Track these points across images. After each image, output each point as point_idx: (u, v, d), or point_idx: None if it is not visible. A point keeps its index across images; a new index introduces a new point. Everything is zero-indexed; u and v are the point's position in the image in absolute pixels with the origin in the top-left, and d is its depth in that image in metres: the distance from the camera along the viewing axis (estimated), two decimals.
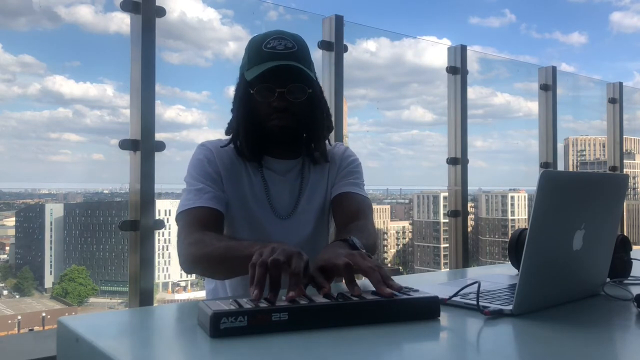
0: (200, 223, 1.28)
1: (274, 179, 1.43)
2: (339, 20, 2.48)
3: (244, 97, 1.37)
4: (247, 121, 1.37)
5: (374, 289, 0.97)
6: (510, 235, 1.42)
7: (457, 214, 2.95)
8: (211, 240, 1.21)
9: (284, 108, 1.33)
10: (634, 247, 1.40)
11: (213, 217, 1.32)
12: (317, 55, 2.48)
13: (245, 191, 1.40)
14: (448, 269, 3.85)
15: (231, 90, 1.45)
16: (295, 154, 1.46)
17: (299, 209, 1.43)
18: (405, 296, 0.94)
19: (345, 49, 2.51)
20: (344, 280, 0.99)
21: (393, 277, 1.01)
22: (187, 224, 1.30)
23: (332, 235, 1.49)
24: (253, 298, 0.89)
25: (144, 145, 1.94)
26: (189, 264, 1.25)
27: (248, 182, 1.41)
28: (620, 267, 1.31)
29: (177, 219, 1.34)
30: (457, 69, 2.94)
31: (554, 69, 3.40)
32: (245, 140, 1.39)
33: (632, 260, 1.35)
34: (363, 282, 1.05)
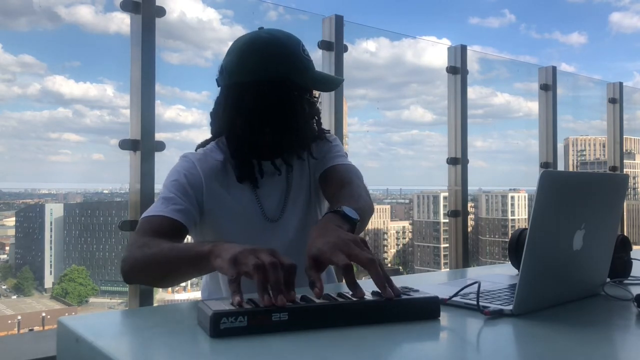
0: (154, 232, 1.22)
1: (264, 181, 1.41)
2: (339, 20, 2.48)
3: (298, 100, 1.37)
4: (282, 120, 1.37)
5: (373, 289, 0.97)
6: (510, 235, 1.42)
7: (457, 214, 2.95)
8: (158, 243, 1.16)
9: None
10: (634, 247, 1.40)
11: (172, 227, 1.26)
12: (317, 56, 2.48)
13: (232, 199, 1.38)
14: (448, 269, 3.85)
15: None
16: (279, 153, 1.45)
17: (287, 209, 1.42)
18: (405, 296, 0.94)
19: (345, 49, 2.51)
20: (344, 281, 0.98)
21: (393, 277, 1.00)
22: (140, 230, 1.24)
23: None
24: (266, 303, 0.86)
25: (144, 145, 1.94)
26: (129, 268, 1.18)
27: (235, 189, 1.38)
28: (620, 267, 1.31)
29: (137, 225, 1.29)
30: (457, 69, 2.94)
31: (554, 69, 3.40)
32: (250, 143, 1.37)
33: (632, 260, 1.35)
34: (363, 281, 1.04)
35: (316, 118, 1.45)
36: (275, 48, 1.34)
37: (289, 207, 1.43)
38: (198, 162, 1.37)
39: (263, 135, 1.37)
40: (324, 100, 2.46)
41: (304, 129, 1.40)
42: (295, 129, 1.37)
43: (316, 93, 1.48)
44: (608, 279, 1.23)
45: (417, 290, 0.97)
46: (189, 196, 1.32)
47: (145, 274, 1.20)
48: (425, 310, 0.93)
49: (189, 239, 1.40)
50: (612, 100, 3.89)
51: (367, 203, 1.28)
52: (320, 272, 0.99)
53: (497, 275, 1.36)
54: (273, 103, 1.34)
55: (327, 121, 2.44)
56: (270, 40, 1.35)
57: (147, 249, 1.15)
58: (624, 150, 3.96)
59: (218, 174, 1.38)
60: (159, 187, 1.97)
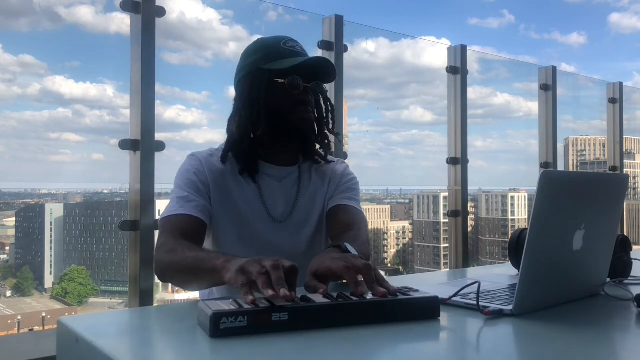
0: (179, 231, 1.29)
1: (270, 184, 1.43)
2: (339, 20, 2.48)
3: (267, 89, 1.37)
4: (270, 114, 1.37)
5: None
6: (510, 235, 1.42)
7: (457, 214, 2.95)
8: (183, 250, 1.21)
9: (307, 102, 1.40)
10: (634, 247, 1.40)
11: (194, 225, 1.32)
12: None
13: (237, 199, 1.39)
14: (448, 269, 3.85)
15: (231, 91, 1.46)
16: (291, 161, 1.47)
17: (295, 215, 1.43)
18: (405, 296, 0.94)
19: (345, 49, 2.51)
20: (345, 281, 0.99)
21: (393, 277, 1.01)
22: (165, 231, 1.30)
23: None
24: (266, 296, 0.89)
25: (144, 145, 1.94)
26: (161, 272, 1.26)
27: (240, 189, 1.40)
28: (620, 267, 1.31)
29: (159, 225, 1.35)
30: (457, 69, 2.94)
31: (554, 69, 3.40)
32: (250, 143, 1.39)
33: (632, 260, 1.35)
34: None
35: (310, 109, 1.43)
36: (251, 45, 1.44)
37: (297, 213, 1.44)
38: (205, 160, 1.41)
39: (253, 126, 1.38)
40: None
41: (288, 114, 1.39)
42: (277, 115, 1.38)
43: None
44: (608, 279, 1.23)
45: (417, 290, 0.98)
46: (202, 193, 1.37)
47: (174, 279, 1.28)
48: (425, 310, 0.93)
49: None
50: (612, 100, 3.89)
51: (368, 252, 1.34)
52: (324, 284, 1.02)
53: (497, 275, 1.36)
54: (245, 92, 1.39)
55: None
56: (253, 42, 1.45)
57: (175, 255, 1.21)
58: (624, 150, 3.96)
59: (224, 172, 1.41)
60: (159, 187, 1.98)
